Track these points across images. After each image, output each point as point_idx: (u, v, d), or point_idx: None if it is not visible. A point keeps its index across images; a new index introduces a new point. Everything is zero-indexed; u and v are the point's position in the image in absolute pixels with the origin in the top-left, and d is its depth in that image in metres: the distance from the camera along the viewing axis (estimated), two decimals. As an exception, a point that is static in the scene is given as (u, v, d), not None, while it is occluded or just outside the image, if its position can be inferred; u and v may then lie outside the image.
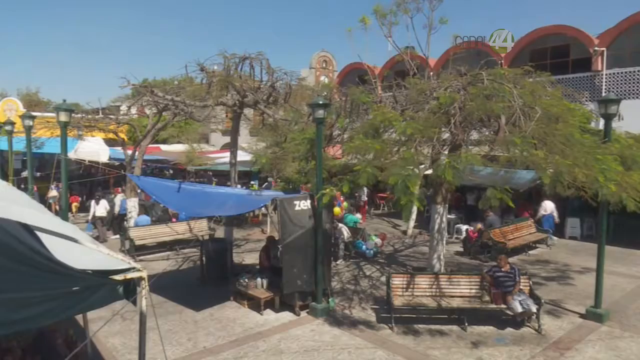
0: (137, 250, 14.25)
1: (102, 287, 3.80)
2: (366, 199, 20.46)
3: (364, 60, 20.02)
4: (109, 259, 3.87)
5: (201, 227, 16.01)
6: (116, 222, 17.40)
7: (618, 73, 17.58)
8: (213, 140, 35.63)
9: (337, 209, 15.48)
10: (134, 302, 3.93)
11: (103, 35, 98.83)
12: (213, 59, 11.63)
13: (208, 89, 11.43)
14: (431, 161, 9.34)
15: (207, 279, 11.59)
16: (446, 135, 9.65)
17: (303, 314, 9.70)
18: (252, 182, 23.97)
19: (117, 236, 16.05)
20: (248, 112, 14.72)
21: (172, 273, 12.65)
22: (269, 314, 9.70)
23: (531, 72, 10.16)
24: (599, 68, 17.89)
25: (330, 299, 10.00)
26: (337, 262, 13.57)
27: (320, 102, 9.40)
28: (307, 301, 9.84)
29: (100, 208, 16.61)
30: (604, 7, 68.19)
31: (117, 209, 17.15)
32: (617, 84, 17.51)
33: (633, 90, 17.11)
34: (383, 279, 11.68)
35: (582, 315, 9.44)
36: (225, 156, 18.78)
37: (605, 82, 17.80)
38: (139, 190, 16.32)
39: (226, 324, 9.24)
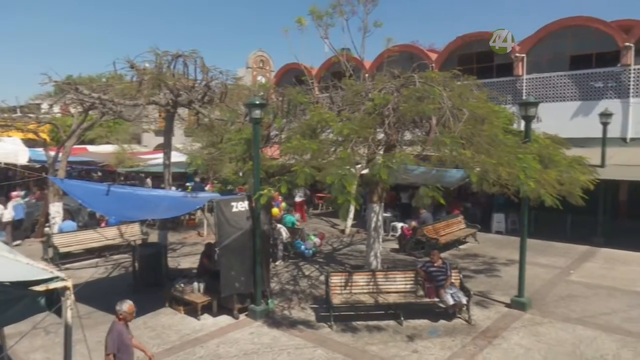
0: (62, 259, 13.36)
1: (21, 300, 3.53)
2: (299, 199, 20.51)
3: (301, 61, 20.09)
4: (28, 268, 3.60)
5: (133, 232, 15.31)
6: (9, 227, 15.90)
7: (536, 78, 18.91)
8: (145, 141, 34.30)
9: (275, 210, 15.40)
10: (59, 314, 3.68)
11: (23, 25, 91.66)
12: (144, 55, 11.19)
13: (139, 87, 10.96)
14: (367, 161, 9.55)
15: (140, 286, 11.11)
16: (381, 136, 9.91)
17: (242, 316, 9.56)
18: (187, 184, 23.29)
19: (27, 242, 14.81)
20: (182, 111, 14.29)
21: (101, 281, 11.99)
22: (206, 319, 9.47)
23: (459, 75, 10.66)
24: (520, 73, 19.16)
25: (269, 301, 9.94)
26: (276, 263, 13.53)
27: (257, 102, 9.32)
28: (246, 304, 9.72)
29: (6, 213, 15.36)
30: (527, 12, 73.15)
31: (7, 217, 15.54)
32: (536, 88, 18.83)
33: (549, 94, 18.48)
34: (322, 278, 11.78)
35: (507, 305, 10.05)
36: (159, 157, 18.10)
37: (526, 86, 19.09)
38: (61, 193, 15.32)
39: (161, 331, 8.90)
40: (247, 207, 9.59)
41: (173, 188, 15.93)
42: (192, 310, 9.60)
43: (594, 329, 8.87)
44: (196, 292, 9.81)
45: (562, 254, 14.57)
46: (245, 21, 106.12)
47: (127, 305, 5.86)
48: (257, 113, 9.27)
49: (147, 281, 11.12)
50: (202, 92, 11.66)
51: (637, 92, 16.60)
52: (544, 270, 12.77)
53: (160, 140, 27.33)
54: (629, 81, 16.71)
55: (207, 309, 9.65)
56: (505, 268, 13.02)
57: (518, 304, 9.92)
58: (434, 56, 21.92)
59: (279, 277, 12.36)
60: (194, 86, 11.74)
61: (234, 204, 9.44)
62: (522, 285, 9.99)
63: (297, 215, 19.57)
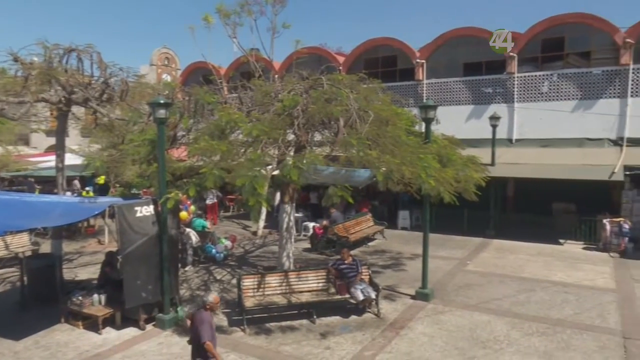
0: None
1: None
2: (210, 202, 20.00)
3: (208, 60, 19.58)
4: None
5: (21, 242, 13.84)
6: None
7: (435, 83, 20.25)
8: (35, 142, 31.30)
9: (184, 214, 14.84)
10: None
11: None
12: (31, 48, 10.15)
13: (25, 83, 9.94)
14: (277, 162, 9.55)
15: (29, 302, 10.07)
16: (291, 137, 9.96)
17: (149, 327, 9.07)
18: (87, 188, 21.60)
19: None
20: (78, 110, 13.19)
21: (-18, 299, 10.69)
22: (109, 333, 8.84)
23: (365, 78, 11.06)
24: (420, 78, 20.39)
25: (178, 308, 9.53)
26: (186, 269, 13.04)
27: (162, 101, 8.90)
28: (154, 313, 9.23)
29: None
30: (429, 14, 77.86)
31: None
32: (435, 92, 20.16)
33: (447, 98, 19.88)
34: (234, 281, 11.56)
35: (412, 297, 10.63)
36: (51, 160, 16.57)
37: (426, 90, 20.36)
38: None
39: (56, 350, 8.15)
40: (153, 212, 9.12)
41: (68, 193, 14.67)
42: (93, 324, 8.91)
43: (488, 313, 9.68)
44: (97, 305, 9.12)
45: (460, 247, 15.73)
46: (148, 16, 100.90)
47: (212, 296, 6.17)
48: (161, 113, 8.85)
49: (39, 296, 10.10)
50: (100, 89, 10.86)
51: (520, 98, 18.44)
52: (444, 262, 13.70)
53: (52, 141, 25.05)
54: (514, 88, 18.51)
55: (109, 322, 9.01)
56: (410, 262, 13.75)
57: (422, 295, 10.53)
58: (341, 59, 22.54)
59: (189, 283, 11.92)
60: (90, 83, 10.90)
61: (137, 208, 8.93)
62: (426, 278, 10.62)
63: (208, 222, 19.12)
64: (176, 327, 9.05)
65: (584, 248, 15.49)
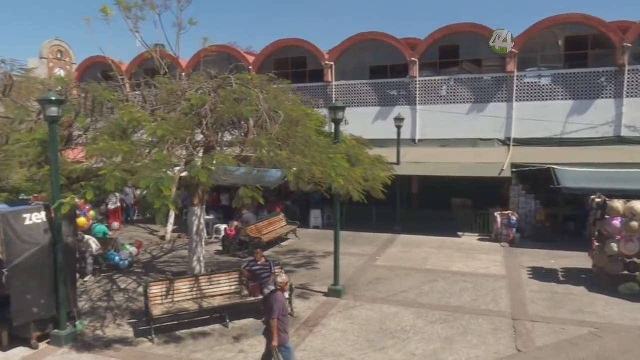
0: None
1: None
2: (113, 206, 18.79)
3: (108, 55, 18.29)
4: None
5: None
6: None
7: (344, 85, 20.82)
8: None
9: (82, 220, 13.76)
10: None
11: None
12: None
13: None
14: (185, 163, 9.22)
15: None
16: (200, 137, 9.68)
17: (43, 345, 8.29)
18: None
19: None
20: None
21: None
22: (-7, 355, 7.95)
23: (275, 79, 11.06)
24: (330, 79, 20.84)
25: (77, 322, 8.82)
26: (86, 279, 12.11)
27: (54, 98, 8.18)
28: (48, 329, 8.46)
29: None
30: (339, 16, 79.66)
31: None
32: (344, 94, 20.73)
33: (355, 99, 20.54)
34: (141, 289, 10.96)
35: (325, 294, 10.83)
36: None
37: (335, 91, 20.85)
38: None
39: None
40: (45, 219, 8.36)
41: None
42: (-27, 347, 7.95)
43: (396, 305, 10.17)
44: (-22, 325, 8.14)
45: (370, 243, 16.34)
46: (37, 3, 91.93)
47: (282, 278, 6.80)
48: (53, 110, 8.13)
49: None
50: (-22, 84, 9.72)
51: (422, 101, 19.59)
52: (355, 258, 14.14)
53: None
54: (416, 91, 19.63)
55: (-6, 343, 8.10)
56: (323, 260, 14.01)
57: (334, 292, 10.77)
58: (251, 59, 22.32)
59: (89, 295, 11.09)
60: (-33, 76, 9.71)
61: (26, 215, 8.13)
62: (338, 275, 10.89)
63: (116, 224, 17.95)
64: (75, 342, 8.37)
65: (480, 239, 16.88)
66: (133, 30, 15.24)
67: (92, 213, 15.57)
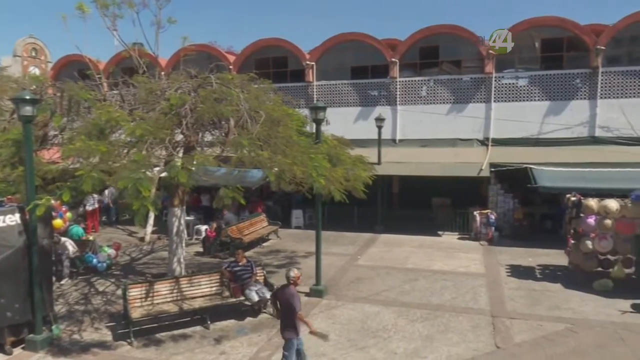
0: None
1: None
2: (91, 207, 18.43)
3: (84, 53, 17.95)
4: None
5: None
6: None
7: (325, 85, 20.84)
8: None
9: (58, 221, 13.47)
10: None
11: None
12: None
13: None
14: (164, 163, 9.10)
15: None
16: (180, 137, 9.56)
17: (17, 350, 8.10)
18: None
19: None
20: None
21: None
22: (-35, 362, 7.72)
23: (256, 79, 11.00)
24: (311, 80, 20.83)
25: (53, 327, 8.63)
26: (62, 282, 11.86)
27: (28, 97, 8.00)
28: (23, 334, 8.26)
29: None
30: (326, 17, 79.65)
31: None
32: (325, 94, 20.75)
33: (336, 99, 20.58)
34: (119, 292, 10.79)
35: (307, 294, 10.81)
36: None
37: (316, 92, 20.85)
38: None
39: None
40: (19, 221, 8.18)
41: None
42: (-56, 354, 7.71)
43: (377, 304, 10.23)
44: (-51, 331, 7.90)
45: (351, 242, 16.39)
46: (10, 0, 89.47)
47: (294, 272, 6.85)
48: (27, 110, 7.93)
49: None
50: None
51: (402, 101, 19.75)
52: (337, 258, 14.17)
53: None
54: (396, 91, 19.77)
55: (-34, 349, 7.87)
56: (304, 260, 14.00)
57: (316, 291, 10.78)
58: (232, 58, 22.16)
59: (65, 298, 10.86)
60: None
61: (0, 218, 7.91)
62: (319, 274, 10.89)
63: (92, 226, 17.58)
64: (51, 347, 8.19)
65: (459, 238, 17.10)
66: (110, 29, 15.05)
67: (68, 215, 15.27)
